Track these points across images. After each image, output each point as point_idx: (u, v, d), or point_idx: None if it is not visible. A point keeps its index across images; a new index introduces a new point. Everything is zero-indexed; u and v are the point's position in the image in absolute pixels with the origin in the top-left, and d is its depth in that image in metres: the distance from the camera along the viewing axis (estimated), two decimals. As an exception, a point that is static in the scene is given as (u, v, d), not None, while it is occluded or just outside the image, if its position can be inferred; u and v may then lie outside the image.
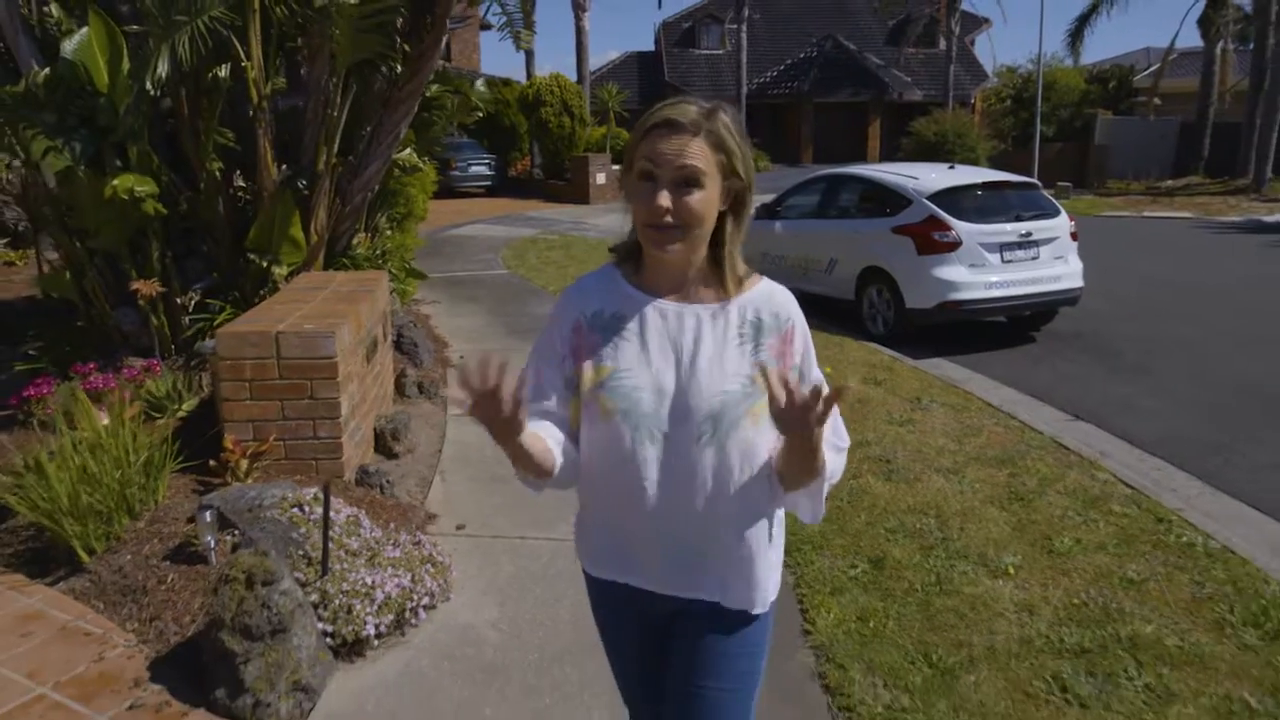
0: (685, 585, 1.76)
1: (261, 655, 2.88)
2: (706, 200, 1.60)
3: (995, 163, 24.64)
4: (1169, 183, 27.73)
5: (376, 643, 3.27)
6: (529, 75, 28.78)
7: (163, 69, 4.84)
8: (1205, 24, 27.26)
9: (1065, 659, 3.27)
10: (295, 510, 3.78)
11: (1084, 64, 37.79)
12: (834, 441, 1.75)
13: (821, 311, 9.15)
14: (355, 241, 6.65)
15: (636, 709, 1.97)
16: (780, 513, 1.83)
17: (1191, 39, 29.14)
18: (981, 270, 8.26)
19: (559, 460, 1.70)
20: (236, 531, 3.70)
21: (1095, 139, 29.49)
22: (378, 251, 7.01)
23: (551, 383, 1.74)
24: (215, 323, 5.69)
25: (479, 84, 7.29)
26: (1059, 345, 8.56)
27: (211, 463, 4.25)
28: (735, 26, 35.45)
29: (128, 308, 5.91)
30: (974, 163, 20.84)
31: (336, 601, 3.23)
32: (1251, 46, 26.93)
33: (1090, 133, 29.89)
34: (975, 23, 39.04)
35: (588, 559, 1.88)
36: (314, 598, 3.22)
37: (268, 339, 4.27)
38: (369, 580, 3.34)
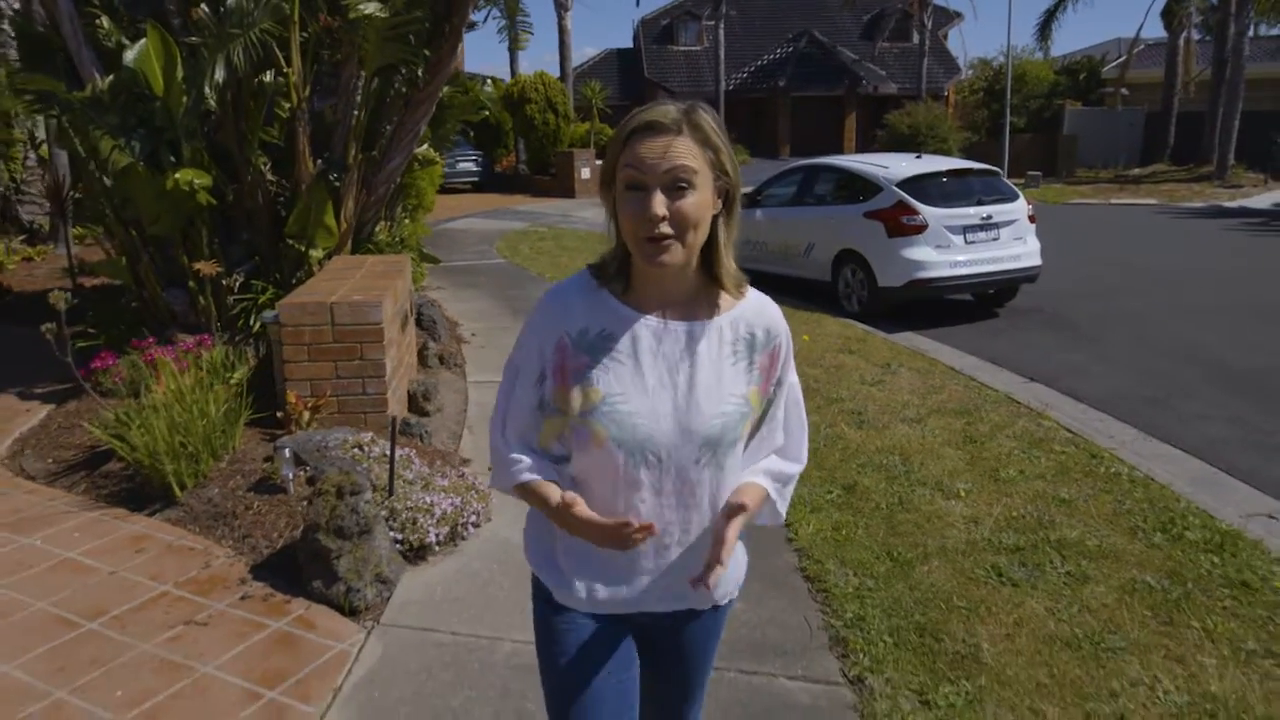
0: (671, 598, 1.74)
1: (351, 552, 3.56)
2: (701, 203, 1.53)
3: (967, 153, 25.49)
4: (1136, 171, 28.69)
5: (437, 549, 3.95)
6: (513, 73, 29.38)
7: (219, 75, 5.50)
8: (1168, 16, 28.20)
9: (1002, 555, 4.00)
10: (356, 450, 4.47)
11: (1057, 55, 38.86)
12: (783, 470, 1.79)
13: (801, 292, 9.89)
14: (377, 229, 7.32)
15: None
16: None
17: (1159, 30, 29.99)
18: (947, 251, 9.00)
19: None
20: (309, 467, 4.38)
21: (1064, 129, 30.43)
22: (396, 238, 7.70)
23: (528, 401, 1.68)
24: (259, 302, 6.35)
25: (486, 86, 7.99)
26: (1020, 319, 9.33)
27: (278, 414, 4.93)
28: (713, 23, 36.21)
29: (177, 289, 6.55)
30: (946, 153, 21.67)
31: (403, 515, 3.92)
32: (1213, 38, 27.91)
33: (1059, 123, 30.79)
34: (947, 17, 39.92)
35: (558, 588, 1.76)
36: (384, 513, 3.90)
37: (323, 308, 4.94)
38: (427, 500, 4.03)
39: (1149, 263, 12.79)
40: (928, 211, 8.98)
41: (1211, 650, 3.27)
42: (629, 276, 1.63)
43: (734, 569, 1.82)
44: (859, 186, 9.71)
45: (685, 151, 1.50)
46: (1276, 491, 4.86)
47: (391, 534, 3.85)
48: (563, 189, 24.57)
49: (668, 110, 1.53)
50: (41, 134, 13.30)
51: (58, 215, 11.09)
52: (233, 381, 5.74)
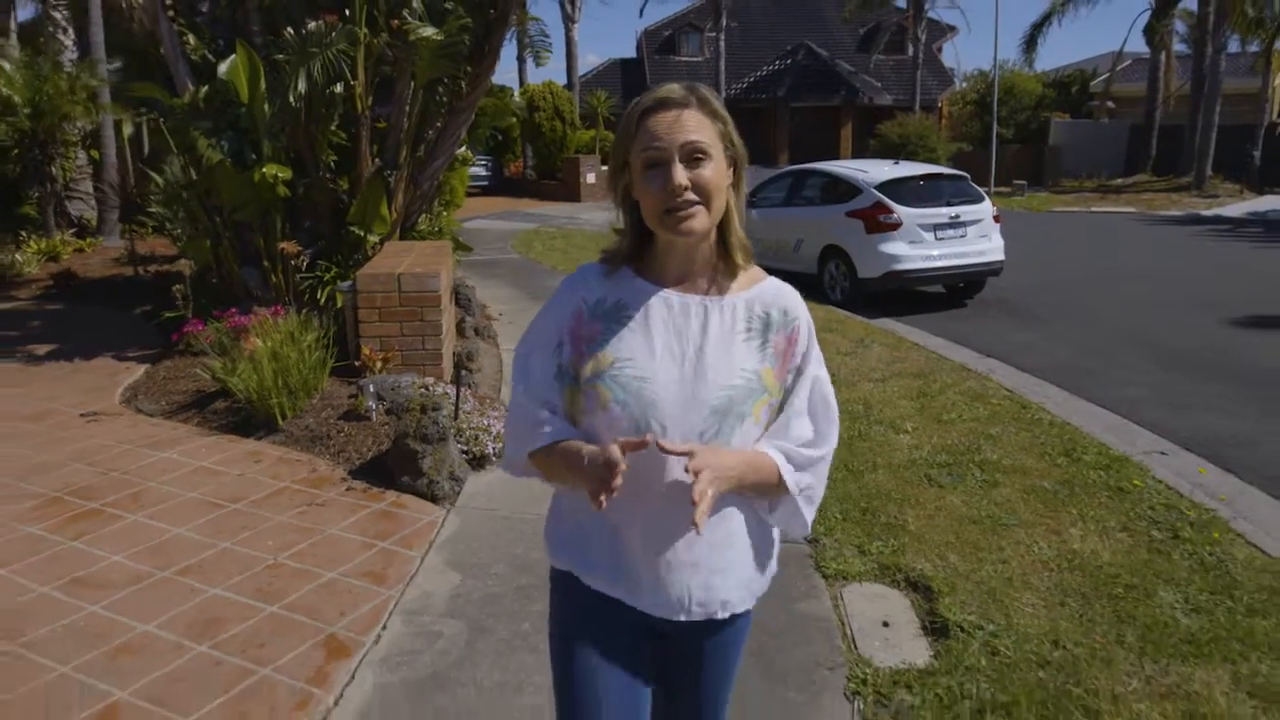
0: (683, 598, 1.69)
1: (432, 454, 4.67)
2: (717, 170, 1.59)
3: (956, 162, 26.61)
4: (1119, 181, 29.83)
5: (493, 459, 5.05)
6: (521, 82, 30.56)
7: (301, 86, 6.61)
8: (1150, 33, 29.36)
9: (934, 468, 5.11)
10: (422, 389, 5.57)
11: (1052, 68, 40.09)
12: (800, 454, 1.70)
13: (791, 284, 10.98)
14: (420, 220, 8.44)
15: None
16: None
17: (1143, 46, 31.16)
18: (919, 246, 10.13)
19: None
20: (386, 401, 5.49)
21: (1049, 140, 31.58)
22: (435, 228, 8.81)
23: (546, 369, 1.71)
24: (324, 279, 7.47)
25: (515, 96, 9.09)
26: (984, 309, 10.45)
27: (355, 364, 6.05)
28: (714, 35, 37.40)
29: (252, 268, 7.66)
30: (935, 161, 22.72)
31: (467, 433, 5.03)
32: (1192, 54, 29.10)
33: (1045, 134, 31.96)
34: (941, 31, 41.08)
35: (580, 564, 1.75)
36: (452, 430, 5.01)
37: (392, 278, 6.05)
38: (485, 423, 5.14)
39: (1113, 263, 13.94)
40: (902, 211, 10.11)
41: (1081, 527, 4.37)
42: (645, 255, 1.70)
43: (756, 578, 1.77)
44: (842, 189, 10.84)
45: (697, 123, 1.57)
46: (1174, 437, 5.93)
47: (459, 446, 4.95)
48: (569, 193, 25.72)
49: (673, 88, 1.61)
50: (110, 134, 14.45)
51: (122, 210, 12.16)
52: (315, 339, 6.87)
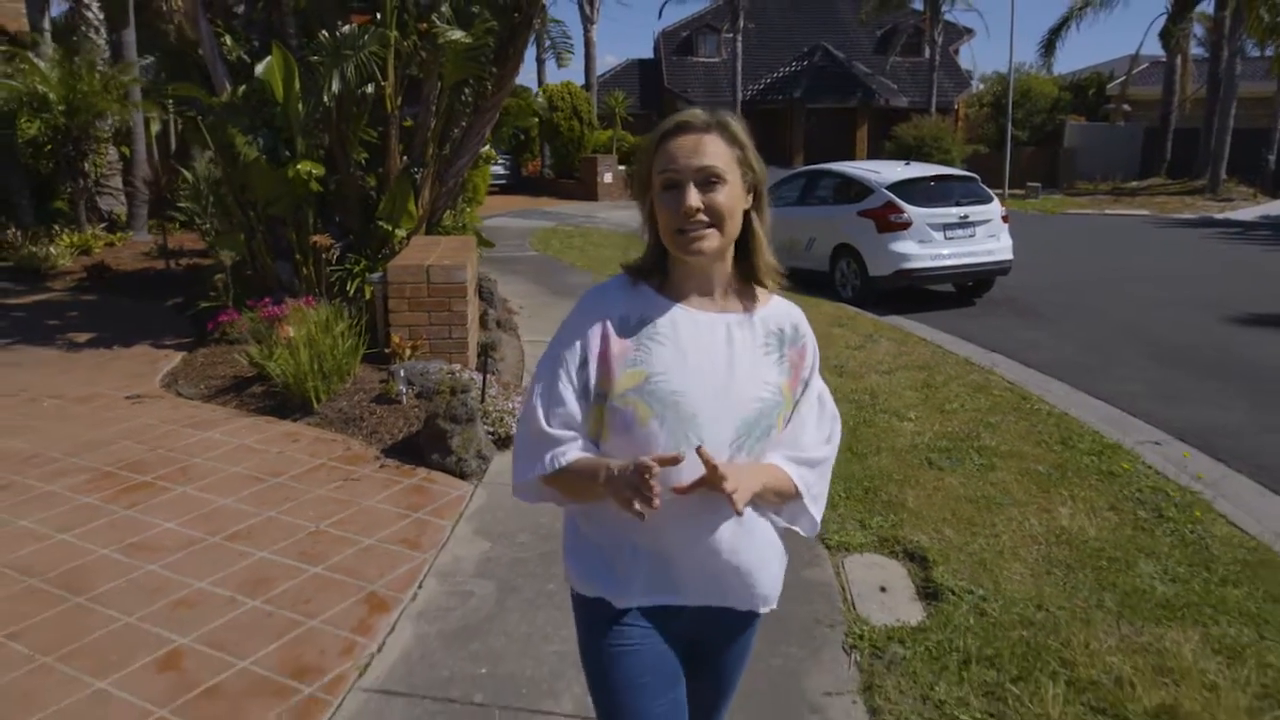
0: (717, 594, 1.78)
1: (460, 433, 4.97)
2: (732, 195, 1.65)
3: (971, 164, 26.80)
4: (1133, 184, 29.95)
5: (517, 440, 5.35)
6: (540, 82, 30.88)
7: (335, 87, 6.93)
8: (1166, 36, 29.44)
9: (935, 453, 5.38)
10: (450, 375, 5.87)
11: (1069, 71, 40.15)
12: (810, 457, 1.79)
13: (803, 282, 11.26)
14: (445, 216, 8.75)
15: None
16: None
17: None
18: (929, 245, 10.38)
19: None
20: (416, 385, 5.80)
21: (1064, 143, 31.70)
22: (459, 224, 9.12)
23: (568, 390, 1.72)
24: (353, 272, 7.78)
25: (538, 96, 9.39)
26: (993, 307, 10.69)
27: (385, 351, 6.36)
28: (731, 36, 37.67)
29: (284, 261, 7.99)
30: (950, 163, 22.91)
31: (493, 415, 5.33)
32: (1209, 58, 29.18)
33: (1060, 137, 32.08)
34: (958, 33, 41.20)
35: (612, 588, 1.79)
36: (479, 412, 5.31)
37: (421, 270, 6.36)
38: (509, 405, 5.44)
39: (1122, 265, 14.14)
40: (912, 210, 10.36)
41: (1071, 507, 4.63)
42: (666, 272, 1.75)
43: (778, 576, 1.86)
44: (854, 189, 11.10)
45: (715, 150, 1.64)
46: (1167, 428, 6.18)
47: (485, 427, 5.25)
48: (586, 192, 26.04)
49: (697, 113, 1.69)
50: (140, 131, 14.85)
51: (153, 205, 12.52)
52: (348, 327, 7.20)
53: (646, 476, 1.51)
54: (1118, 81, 36.04)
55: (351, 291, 7.64)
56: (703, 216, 1.63)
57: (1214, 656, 3.26)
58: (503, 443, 5.32)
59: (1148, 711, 2.94)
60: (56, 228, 13.99)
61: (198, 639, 3.38)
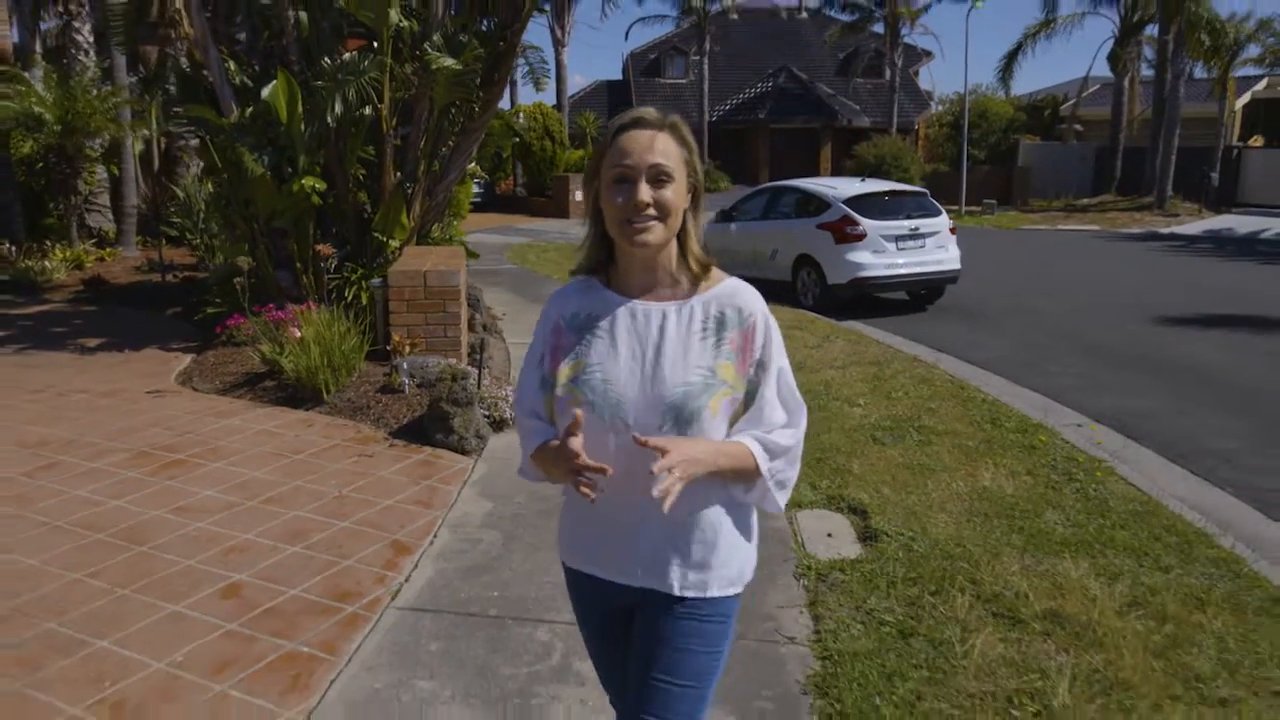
0: (644, 574, 1.86)
1: (461, 415, 5.62)
2: (678, 192, 1.76)
3: (929, 181, 27.85)
4: (1085, 201, 31.09)
5: (511, 422, 6.00)
6: (512, 103, 31.60)
7: (338, 109, 7.58)
8: (1114, 60, 30.72)
9: (879, 431, 6.10)
10: (448, 367, 6.52)
11: (1027, 91, 41.44)
12: (774, 441, 1.84)
13: (767, 292, 11.96)
14: (434, 228, 9.40)
15: (614, 696, 2.12)
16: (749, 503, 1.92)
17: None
18: (882, 255, 11.16)
19: None
20: (416, 377, 6.44)
21: (1019, 161, 32.88)
22: (446, 236, 9.78)
23: (532, 381, 1.93)
24: (350, 279, 8.41)
25: (518, 117, 10.07)
26: (942, 313, 11.49)
27: (387, 348, 7.00)
28: (698, 58, 38.66)
29: (285, 270, 8.59)
30: (909, 181, 23.87)
31: (489, 400, 5.99)
32: (1154, 80, 30.48)
33: (1015, 156, 33.26)
34: (917, 56, 42.49)
35: (562, 549, 2.02)
36: (477, 397, 5.96)
37: (418, 275, 7.02)
38: (502, 393, 6.10)
39: (1066, 275, 15.04)
40: (867, 223, 11.14)
41: (994, 472, 5.36)
42: (614, 269, 1.89)
43: (719, 564, 1.89)
44: (813, 204, 11.88)
45: (666, 148, 1.76)
46: (1088, 412, 6.92)
47: (482, 411, 5.91)
48: (558, 210, 26.77)
49: (650, 111, 1.80)
50: (130, 151, 15.36)
51: (144, 222, 13.04)
52: (351, 328, 7.83)
53: (569, 457, 1.69)
54: (1070, 103, 37.33)
55: (350, 297, 8.26)
56: (650, 211, 1.74)
57: (1098, 578, 3.98)
58: (497, 425, 5.97)
59: (1037, 614, 3.64)
60: (49, 243, 14.47)
61: (251, 575, 4.00)
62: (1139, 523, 4.63)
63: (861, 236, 11.10)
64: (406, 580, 3.97)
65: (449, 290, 7.05)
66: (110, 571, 4.04)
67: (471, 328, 8.76)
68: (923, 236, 11.37)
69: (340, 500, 4.85)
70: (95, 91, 14.66)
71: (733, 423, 1.85)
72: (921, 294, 12.02)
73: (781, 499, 1.87)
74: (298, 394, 6.63)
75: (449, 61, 7.79)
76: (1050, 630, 3.52)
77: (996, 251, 18.56)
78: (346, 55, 7.76)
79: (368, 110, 8.06)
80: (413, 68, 8.14)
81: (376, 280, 7.36)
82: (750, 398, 1.85)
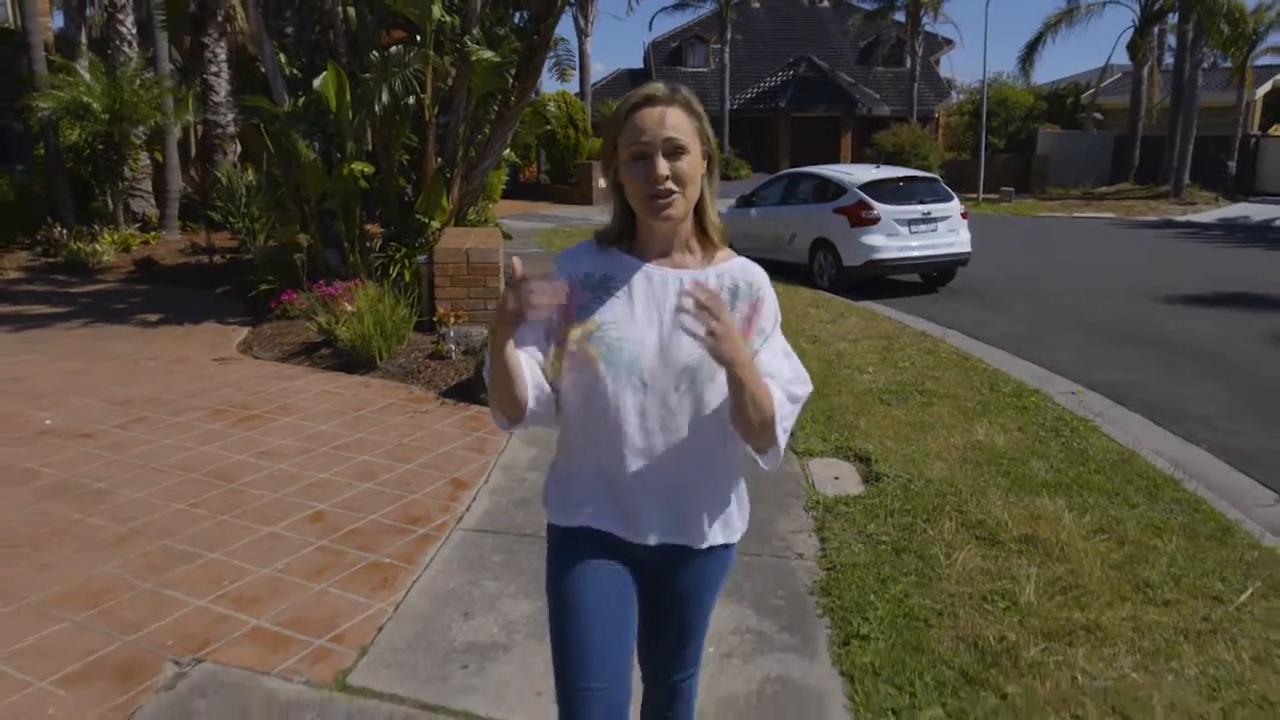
0: (662, 528, 1.90)
1: (505, 376, 6.20)
2: (694, 163, 1.81)
3: (948, 169, 28.25)
4: (1103, 189, 31.37)
5: (548, 385, 6.60)
6: (537, 92, 32.14)
7: (385, 99, 8.18)
8: (1133, 49, 30.93)
9: (886, 395, 6.65)
10: (481, 337, 7.11)
11: (1049, 80, 41.71)
12: (790, 390, 1.89)
13: (785, 273, 12.54)
14: (470, 211, 10.00)
15: (579, 681, 1.88)
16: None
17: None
18: (896, 238, 11.68)
19: (530, 399, 1.82)
20: (461, 345, 7.05)
21: (1037, 150, 33.17)
22: (481, 219, 10.38)
23: (534, 331, 1.87)
24: (395, 258, 9.02)
25: (550, 106, 10.67)
26: (953, 295, 11.99)
27: (433, 319, 7.61)
28: (719, 47, 39.12)
29: (333, 249, 9.22)
30: (927, 169, 24.27)
31: (529, 365, 6.57)
32: (1173, 69, 30.70)
33: (1034, 144, 33.55)
34: (938, 44, 42.73)
35: (560, 509, 1.97)
36: (517, 364, 6.54)
37: (461, 252, 7.62)
38: (541, 359, 6.69)
39: (1076, 260, 15.49)
40: (881, 208, 11.66)
41: (987, 428, 5.90)
42: (632, 235, 1.90)
43: (732, 515, 1.99)
44: (830, 189, 12.41)
45: (677, 121, 1.79)
46: (1084, 383, 7.43)
47: (522, 374, 6.50)
48: (582, 197, 27.33)
49: (658, 87, 1.82)
50: (173, 138, 16.03)
51: (188, 206, 13.72)
52: (399, 301, 8.44)
53: (518, 279, 1.69)
54: (1090, 92, 37.52)
55: (394, 274, 8.87)
56: (669, 185, 1.78)
57: (1071, 511, 4.53)
58: (537, 387, 6.56)
59: (1014, 538, 4.20)
60: (96, 226, 15.18)
61: (332, 505, 4.62)
62: (1114, 470, 5.17)
63: (876, 220, 11.62)
64: (467, 509, 4.57)
65: (489, 267, 7.65)
66: (209, 503, 4.66)
67: (506, 304, 9.36)
68: (935, 221, 11.87)
69: (402, 447, 5.46)
70: (139, 81, 15.33)
71: None
72: (933, 276, 12.52)
73: (782, 443, 1.86)
74: (352, 360, 7.24)
75: (488, 54, 8.37)
76: (1023, 549, 4.09)
77: (1011, 238, 19.00)
78: (392, 48, 8.36)
79: (411, 100, 8.65)
80: (452, 59, 8.73)
81: (422, 257, 7.97)
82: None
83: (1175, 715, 2.95)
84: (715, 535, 1.94)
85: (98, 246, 13.99)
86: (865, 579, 3.78)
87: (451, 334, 7.03)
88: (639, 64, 46.42)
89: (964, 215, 12.24)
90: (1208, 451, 5.79)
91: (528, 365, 1.82)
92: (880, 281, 12.24)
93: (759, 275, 1.95)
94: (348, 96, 8.54)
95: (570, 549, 1.95)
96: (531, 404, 1.82)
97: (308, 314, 8.21)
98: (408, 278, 8.66)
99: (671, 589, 1.98)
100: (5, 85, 20.16)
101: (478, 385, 6.30)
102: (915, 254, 11.74)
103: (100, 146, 15.80)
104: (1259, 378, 7.64)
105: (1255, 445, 5.93)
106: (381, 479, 4.96)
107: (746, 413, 1.76)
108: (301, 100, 8.58)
